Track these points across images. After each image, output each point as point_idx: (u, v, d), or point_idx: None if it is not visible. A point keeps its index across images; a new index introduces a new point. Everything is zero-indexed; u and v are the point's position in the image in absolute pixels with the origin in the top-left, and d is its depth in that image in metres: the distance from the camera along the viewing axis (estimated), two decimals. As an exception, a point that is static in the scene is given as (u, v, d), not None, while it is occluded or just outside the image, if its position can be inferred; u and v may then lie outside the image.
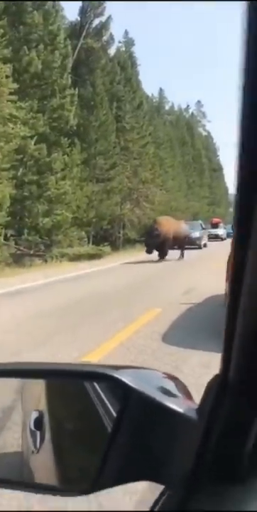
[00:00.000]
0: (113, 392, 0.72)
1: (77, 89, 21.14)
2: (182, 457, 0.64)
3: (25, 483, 0.84)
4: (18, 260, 17.16)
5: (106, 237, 26.37)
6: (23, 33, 17.61)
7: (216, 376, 0.63)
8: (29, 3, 17.85)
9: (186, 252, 21.16)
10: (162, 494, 0.67)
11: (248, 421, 0.61)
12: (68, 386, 0.89)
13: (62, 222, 20.13)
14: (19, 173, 17.64)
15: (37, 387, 0.99)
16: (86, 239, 23.99)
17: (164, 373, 0.80)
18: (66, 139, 20.46)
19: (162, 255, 18.53)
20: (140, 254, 23.47)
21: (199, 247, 27.19)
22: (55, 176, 19.49)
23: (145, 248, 18.68)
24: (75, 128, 21.25)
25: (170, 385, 0.75)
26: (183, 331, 5.82)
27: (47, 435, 0.85)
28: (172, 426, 0.65)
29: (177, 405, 0.66)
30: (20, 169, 17.77)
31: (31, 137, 17.76)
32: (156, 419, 0.65)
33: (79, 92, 21.88)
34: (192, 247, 25.78)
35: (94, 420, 0.76)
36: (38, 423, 0.87)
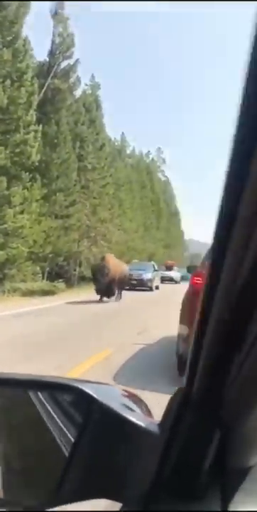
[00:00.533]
0: (75, 404, 0.71)
1: (41, 126, 21.41)
2: (142, 473, 0.63)
3: None
4: None
5: (61, 274, 26.23)
6: (-11, 68, 17.83)
7: (179, 390, 0.64)
8: (0, 40, 18.15)
9: (136, 293, 21.31)
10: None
11: (209, 436, 0.61)
12: (17, 398, 0.86)
13: (16, 256, 19.93)
14: (-24, 204, 17.46)
15: None
16: (40, 274, 23.78)
17: (124, 390, 0.79)
18: (27, 173, 20.51)
19: (109, 295, 17.66)
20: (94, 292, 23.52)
21: (151, 289, 26.47)
22: (14, 209, 19.40)
23: (96, 288, 17.38)
24: (37, 164, 21.36)
25: (132, 401, 0.75)
26: (133, 372, 5.93)
27: None
28: (134, 440, 0.64)
29: (139, 420, 0.66)
30: (-22, 200, 17.61)
31: (-9, 169, 17.71)
32: (118, 433, 0.65)
33: (44, 129, 22.15)
34: (143, 288, 25.62)
35: (53, 432, 0.74)
36: None
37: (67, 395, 0.76)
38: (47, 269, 24.61)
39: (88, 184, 29.34)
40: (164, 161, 68.05)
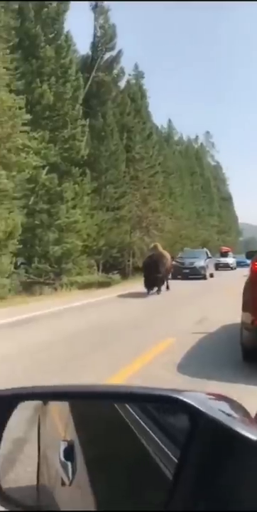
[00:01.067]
0: (175, 416, 0.66)
1: (88, 120, 21.52)
2: (254, 492, 0.58)
3: None
4: (27, 288, 17.18)
5: (115, 265, 26.38)
6: (35, 66, 18.07)
7: None
8: (42, 38, 18.36)
9: (189, 282, 20.63)
10: None
11: None
12: (101, 410, 0.83)
13: (72, 251, 20.21)
14: (30, 202, 17.84)
15: (63, 415, 0.94)
16: (95, 267, 24.03)
17: (218, 395, 0.73)
18: (77, 168, 20.74)
19: (159, 287, 16.19)
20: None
21: (204, 277, 24.68)
22: (66, 205, 19.69)
23: (146, 281, 15.82)
24: (86, 158, 21.53)
25: (234, 409, 0.69)
26: (198, 362, 5.73)
27: (82, 466, 0.80)
28: (243, 453, 0.59)
29: (245, 430, 0.60)
30: (32, 198, 17.99)
31: (43, 167, 18.02)
32: (226, 446, 0.59)
33: (90, 122, 22.28)
34: (197, 276, 24.07)
35: (148, 447, 0.70)
36: (68, 454, 0.83)
37: (162, 406, 0.71)
38: (102, 261, 24.82)
39: (137, 174, 29.21)
40: (213, 145, 66.67)
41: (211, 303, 12.50)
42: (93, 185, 22.92)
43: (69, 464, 0.83)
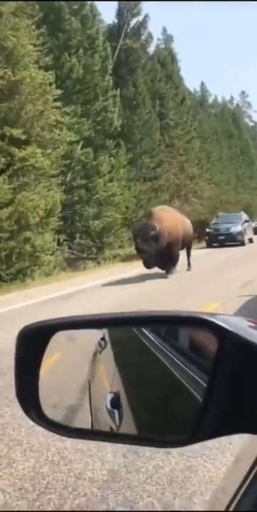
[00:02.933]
0: (206, 339, 0.66)
1: (118, 90, 21.17)
2: None
3: (123, 434, 0.84)
4: (71, 264, 17.34)
5: (157, 236, 26.14)
6: (62, 40, 17.87)
7: None
8: (66, 10, 18.08)
9: (226, 249, 19.45)
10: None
11: None
12: (132, 337, 0.88)
13: (112, 224, 20.17)
14: (68, 179, 17.87)
15: (108, 370, 1.01)
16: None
17: (251, 320, 0.73)
18: (111, 140, 20.53)
19: (170, 266, 12.25)
20: (193, 250, 23.07)
21: (242, 243, 22.63)
22: (103, 179, 19.60)
23: (143, 259, 11.79)
24: (119, 129, 21.26)
25: None
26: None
27: (131, 401, 0.84)
28: None
29: None
30: (69, 174, 17.99)
31: (77, 142, 17.93)
32: (255, 365, 0.60)
33: (121, 92, 21.90)
34: (234, 243, 22.25)
35: (187, 368, 0.74)
36: (114, 403, 0.88)
37: (192, 329, 0.73)
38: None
39: (173, 142, 28.68)
40: (249, 105, 64.36)
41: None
42: (128, 157, 22.68)
43: (115, 412, 0.87)
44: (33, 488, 2.68)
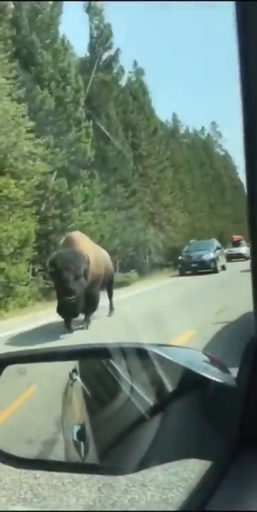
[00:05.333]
0: (150, 369, 0.69)
1: (91, 121, 21.46)
2: (226, 428, 0.61)
3: (72, 464, 0.87)
4: (47, 294, 17.14)
5: (132, 264, 26.22)
6: (34, 72, 18.10)
7: (253, 340, 0.60)
8: (38, 44, 18.38)
9: (198, 278, 19.46)
10: (210, 469, 0.63)
11: None
12: (99, 369, 0.90)
13: (87, 253, 20.14)
14: (42, 208, 17.83)
15: (77, 402, 1.03)
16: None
17: (201, 352, 0.77)
18: (85, 170, 20.67)
19: (90, 312, 9.44)
20: (167, 278, 23.26)
21: (215, 271, 22.44)
22: (77, 208, 19.63)
23: (67, 305, 8.49)
24: (93, 159, 21.47)
25: (205, 360, 0.72)
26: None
27: (94, 432, 0.86)
28: (213, 397, 0.62)
29: (215, 376, 0.63)
30: (43, 204, 17.98)
31: (51, 172, 18.00)
32: (195, 391, 0.63)
33: (94, 124, 22.21)
34: (206, 270, 22.11)
35: (125, 396, 0.76)
36: (81, 435, 0.89)
37: (135, 358, 0.74)
38: (119, 261, 24.67)
39: (146, 171, 29.10)
40: (220, 134, 65.96)
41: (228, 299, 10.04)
42: (102, 186, 22.84)
43: (81, 443, 0.88)
44: (5, 529, 2.59)
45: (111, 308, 10.86)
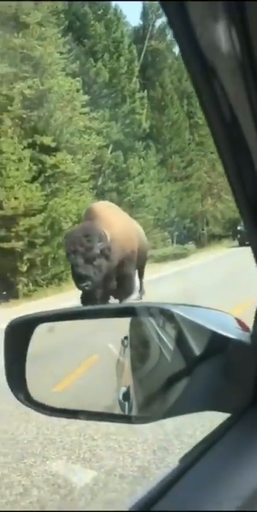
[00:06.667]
0: (175, 329, 0.72)
1: (146, 91, 21.19)
2: (242, 383, 0.65)
3: (106, 414, 0.93)
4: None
5: (190, 236, 25.96)
6: (88, 45, 18.09)
7: None
8: (91, 16, 18.29)
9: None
10: (229, 421, 0.66)
11: None
12: (140, 332, 0.96)
13: (144, 226, 20.13)
14: (99, 182, 18.03)
15: (125, 365, 1.09)
16: (169, 239, 23.80)
17: (218, 310, 0.80)
18: (140, 142, 20.58)
19: (124, 296, 7.81)
20: (226, 249, 22.79)
21: None
22: (133, 181, 19.65)
23: (83, 292, 7.33)
24: (148, 130, 21.28)
25: (225, 319, 0.75)
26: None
27: (137, 393, 0.92)
28: (229, 353, 0.66)
29: (230, 333, 0.67)
30: (100, 178, 18.16)
31: (107, 146, 18.07)
32: (220, 351, 0.66)
33: (149, 94, 21.91)
34: None
35: (158, 355, 0.82)
36: (126, 396, 0.94)
37: (158, 317, 0.80)
38: (176, 233, 24.53)
39: (202, 140, 28.34)
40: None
41: None
42: (158, 158, 22.64)
43: (126, 403, 0.92)
44: (65, 484, 2.73)
45: (141, 289, 9.20)
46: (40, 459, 3.12)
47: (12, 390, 0.84)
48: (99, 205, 8.26)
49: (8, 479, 2.88)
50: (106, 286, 7.43)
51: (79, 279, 7.07)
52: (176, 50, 28.19)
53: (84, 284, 6.97)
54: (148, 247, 10.08)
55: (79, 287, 7.12)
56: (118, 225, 7.57)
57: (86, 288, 6.99)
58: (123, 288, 7.78)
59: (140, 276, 9.34)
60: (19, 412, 3.55)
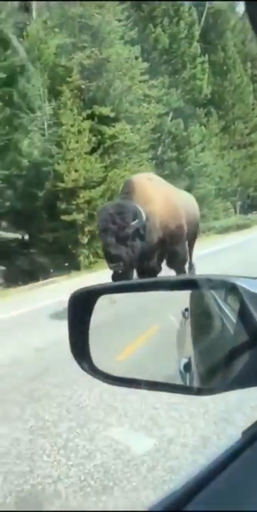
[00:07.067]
0: (232, 299, 0.73)
1: (207, 56, 20.44)
2: None
3: (167, 384, 0.94)
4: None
5: (254, 205, 25.17)
6: (146, 11, 17.66)
7: None
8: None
9: None
10: None
11: None
12: (202, 304, 0.98)
13: (205, 196, 19.75)
14: (158, 152, 17.81)
15: (186, 337, 1.11)
16: (232, 209, 23.20)
17: None
18: (201, 109, 20.03)
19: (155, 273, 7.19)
20: None
21: None
22: (194, 149, 19.21)
23: (114, 272, 6.63)
24: (210, 96, 20.63)
25: None
26: None
27: (198, 364, 0.93)
28: None
29: None
30: (159, 148, 17.92)
31: (166, 114, 17.74)
32: None
33: (210, 58, 21.12)
34: None
35: (220, 327, 0.84)
36: (187, 367, 0.96)
37: (220, 290, 0.81)
38: (239, 203, 23.87)
39: (268, 104, 27.10)
40: None
41: None
42: (220, 124, 21.96)
43: (187, 374, 0.93)
44: (127, 450, 2.78)
45: (191, 266, 8.51)
46: (102, 426, 3.20)
47: (76, 358, 0.87)
48: (138, 178, 7.47)
49: (73, 443, 2.98)
50: (145, 267, 6.82)
51: (109, 260, 6.46)
52: (240, 9, 26.86)
53: (114, 265, 6.39)
54: (198, 220, 8.94)
55: (110, 267, 6.52)
56: (158, 199, 6.89)
57: (117, 269, 6.43)
58: (173, 267, 7.28)
59: (190, 251, 8.49)
60: (83, 380, 3.65)
